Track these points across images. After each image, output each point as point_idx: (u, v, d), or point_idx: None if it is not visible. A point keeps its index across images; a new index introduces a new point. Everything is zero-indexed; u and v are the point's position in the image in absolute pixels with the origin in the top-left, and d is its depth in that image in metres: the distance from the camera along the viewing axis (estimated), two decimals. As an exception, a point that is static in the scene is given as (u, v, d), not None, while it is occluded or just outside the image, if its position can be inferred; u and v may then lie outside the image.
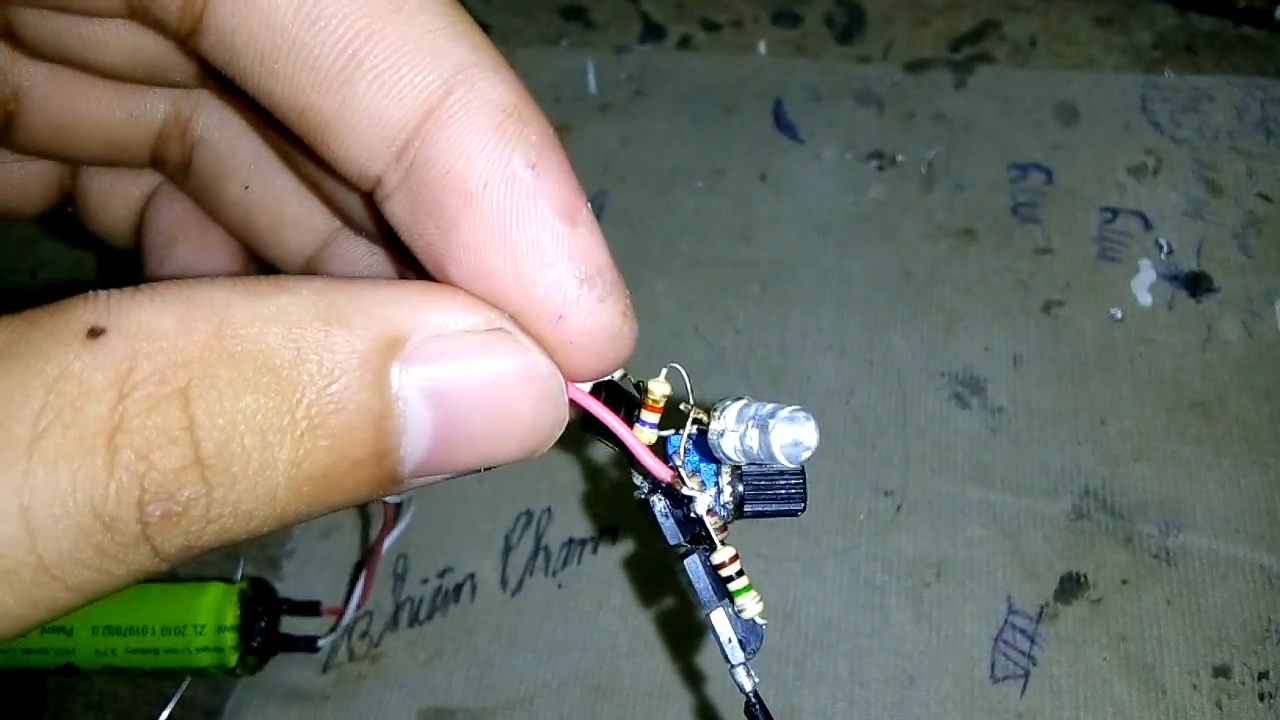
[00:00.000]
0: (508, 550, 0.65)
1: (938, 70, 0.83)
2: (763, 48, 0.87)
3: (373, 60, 0.25)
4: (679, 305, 0.73)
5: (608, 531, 0.65)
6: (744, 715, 0.32)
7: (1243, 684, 0.54)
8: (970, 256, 0.73)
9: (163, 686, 0.61)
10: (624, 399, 0.31)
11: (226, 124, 0.36)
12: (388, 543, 0.58)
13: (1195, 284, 0.69)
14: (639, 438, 0.30)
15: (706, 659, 0.59)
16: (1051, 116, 0.78)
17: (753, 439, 0.30)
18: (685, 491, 0.31)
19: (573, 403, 0.29)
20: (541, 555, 0.64)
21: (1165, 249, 0.70)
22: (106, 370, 0.21)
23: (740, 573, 0.31)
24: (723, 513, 0.32)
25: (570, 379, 0.28)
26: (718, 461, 0.32)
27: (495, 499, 0.67)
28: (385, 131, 0.26)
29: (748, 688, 0.31)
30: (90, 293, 0.22)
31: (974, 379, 0.67)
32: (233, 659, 0.56)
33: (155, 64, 0.32)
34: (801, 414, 0.29)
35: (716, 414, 0.31)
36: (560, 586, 0.63)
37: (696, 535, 0.32)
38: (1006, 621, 0.58)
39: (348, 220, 0.36)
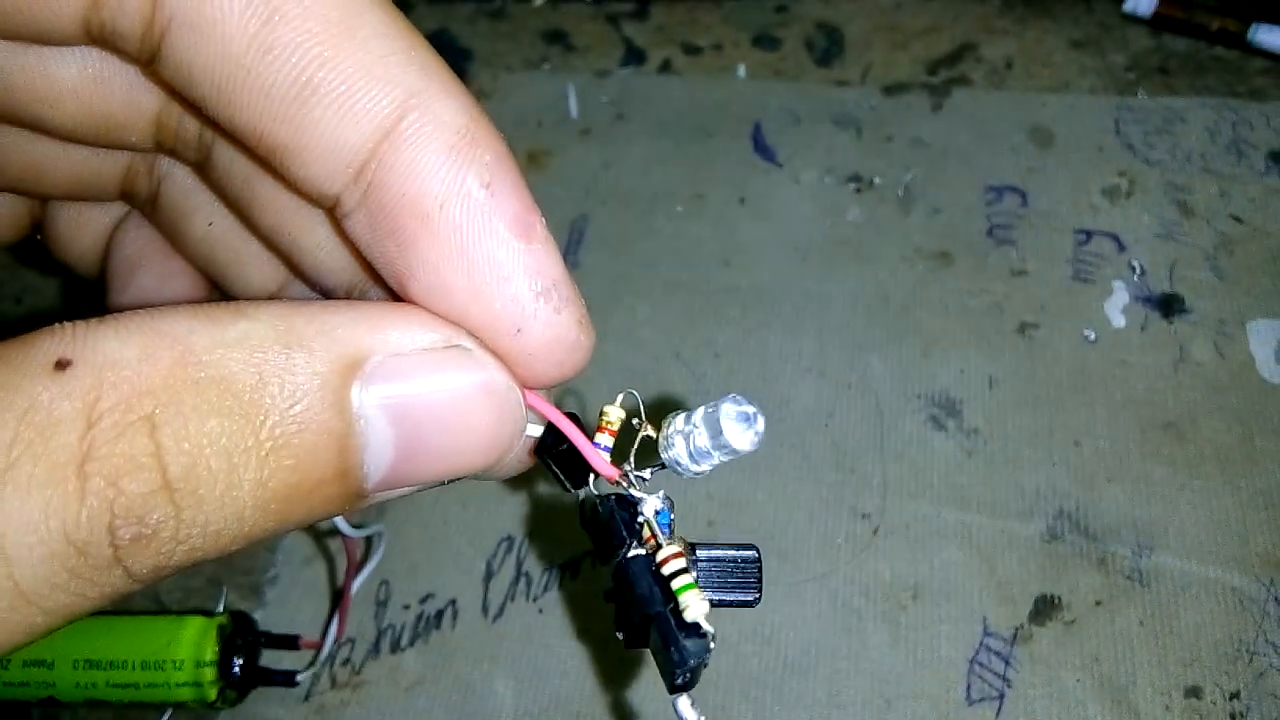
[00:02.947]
0: (489, 576, 0.65)
1: (915, 94, 0.84)
2: (742, 71, 0.88)
3: (327, 87, 0.26)
4: (660, 330, 0.74)
5: (589, 556, 0.65)
6: None
7: (1214, 704, 0.55)
8: (946, 279, 0.73)
9: (146, 717, 0.62)
10: (581, 428, 0.32)
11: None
12: (356, 585, 0.59)
13: (1168, 305, 0.69)
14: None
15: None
16: (1027, 139, 0.79)
17: (701, 436, 0.30)
18: (634, 493, 0.31)
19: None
20: (523, 581, 0.65)
21: (1138, 270, 0.71)
22: (74, 400, 0.22)
23: (684, 570, 0.30)
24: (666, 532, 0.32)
25: (530, 388, 0.29)
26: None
27: (477, 524, 0.67)
28: (341, 155, 0.27)
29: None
30: (56, 325, 0.23)
31: (950, 401, 0.67)
32: (212, 694, 0.56)
33: (109, 124, 0.33)
34: (739, 396, 0.30)
35: (665, 423, 0.31)
36: (541, 612, 0.64)
37: (643, 544, 0.31)
38: (982, 643, 0.58)
39: (300, 274, 0.36)
